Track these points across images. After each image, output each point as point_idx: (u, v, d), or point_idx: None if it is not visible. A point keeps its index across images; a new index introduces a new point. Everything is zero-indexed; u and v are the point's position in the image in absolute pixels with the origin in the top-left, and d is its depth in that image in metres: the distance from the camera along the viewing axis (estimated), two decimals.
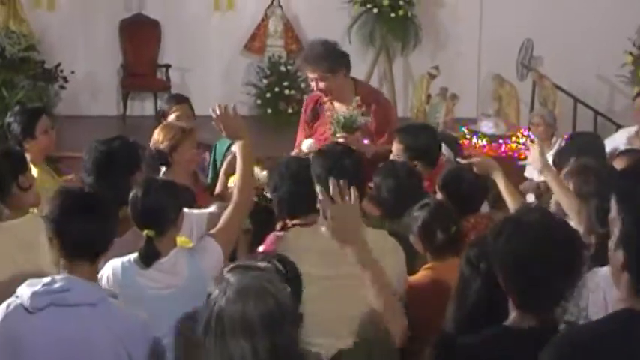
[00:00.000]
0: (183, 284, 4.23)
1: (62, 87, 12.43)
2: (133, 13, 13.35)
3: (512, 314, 3.16)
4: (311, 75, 6.39)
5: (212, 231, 4.50)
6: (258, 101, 13.06)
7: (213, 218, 4.83)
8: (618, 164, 5.55)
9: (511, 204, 5.09)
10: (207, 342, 2.75)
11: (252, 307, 2.72)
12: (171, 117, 6.64)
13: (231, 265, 2.91)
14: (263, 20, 13.45)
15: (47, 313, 3.42)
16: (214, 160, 6.58)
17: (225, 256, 4.39)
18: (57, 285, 3.44)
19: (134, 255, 4.31)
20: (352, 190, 3.44)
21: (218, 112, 4.70)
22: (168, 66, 13.33)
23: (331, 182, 3.43)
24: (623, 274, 2.77)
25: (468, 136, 11.12)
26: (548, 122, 9.35)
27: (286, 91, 12.73)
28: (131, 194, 4.37)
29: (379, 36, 12.97)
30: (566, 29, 12.62)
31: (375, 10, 12.82)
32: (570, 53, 12.43)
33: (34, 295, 3.41)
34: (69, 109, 12.33)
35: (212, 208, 5.13)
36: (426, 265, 4.63)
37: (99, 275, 4.28)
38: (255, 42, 13.48)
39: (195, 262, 4.31)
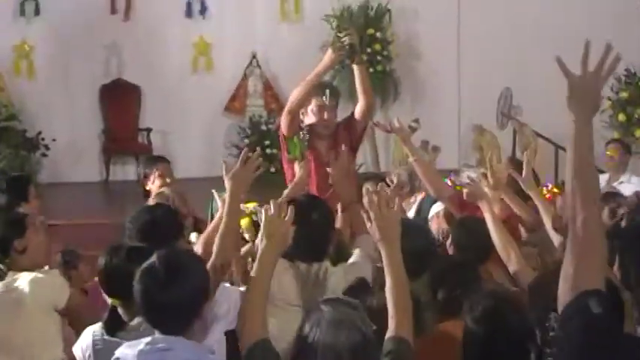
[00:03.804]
0: None
1: (44, 155, 12.43)
2: (113, 78, 13.41)
3: None
4: (326, 104, 6.45)
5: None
6: None
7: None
8: None
9: (494, 234, 4.97)
10: None
11: (344, 339, 3.03)
12: (155, 175, 6.73)
13: (325, 298, 3.27)
14: (242, 80, 13.53)
15: None
16: (211, 215, 6.58)
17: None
18: (160, 345, 3.41)
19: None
20: (397, 199, 3.69)
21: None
22: (149, 130, 13.36)
23: (373, 190, 3.66)
24: None
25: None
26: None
27: (268, 150, 12.72)
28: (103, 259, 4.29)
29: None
30: (544, 77, 12.65)
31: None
32: (549, 100, 12.39)
33: (141, 353, 3.38)
34: (51, 177, 12.32)
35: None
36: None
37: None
38: (235, 102, 13.54)
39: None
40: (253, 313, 3.53)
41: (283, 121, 6.38)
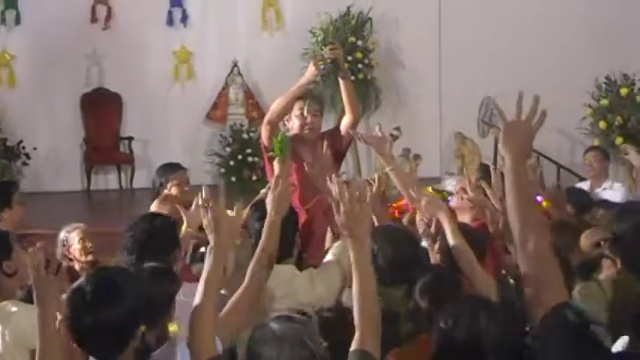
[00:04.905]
0: None
1: (25, 164, 12.39)
2: (94, 87, 13.37)
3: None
4: (312, 109, 6.46)
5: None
6: (222, 170, 13.05)
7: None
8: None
9: (454, 247, 4.71)
10: None
11: (286, 355, 2.90)
12: (173, 183, 6.81)
13: (276, 315, 3.14)
14: (224, 89, 13.52)
15: None
16: None
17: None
18: None
19: None
20: (369, 188, 3.46)
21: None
22: (130, 138, 13.33)
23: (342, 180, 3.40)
24: None
25: None
26: None
27: (249, 159, 12.72)
28: None
29: (340, 99, 13.00)
30: (525, 85, 12.71)
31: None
32: None
33: None
34: (32, 186, 12.25)
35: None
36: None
37: None
38: (216, 111, 13.53)
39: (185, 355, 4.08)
40: (205, 324, 3.34)
41: (263, 131, 6.37)
